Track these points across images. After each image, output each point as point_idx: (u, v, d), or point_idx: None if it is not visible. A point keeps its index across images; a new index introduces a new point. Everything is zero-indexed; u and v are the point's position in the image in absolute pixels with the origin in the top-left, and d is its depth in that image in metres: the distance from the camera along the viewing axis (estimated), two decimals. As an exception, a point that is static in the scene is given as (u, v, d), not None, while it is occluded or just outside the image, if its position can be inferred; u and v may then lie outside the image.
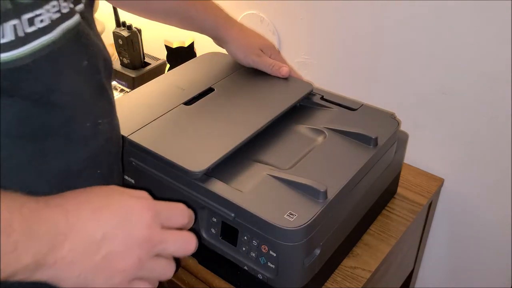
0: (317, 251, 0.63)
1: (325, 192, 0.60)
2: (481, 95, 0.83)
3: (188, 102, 0.77)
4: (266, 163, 0.68)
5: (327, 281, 0.72)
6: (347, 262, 0.75)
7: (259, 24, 1.08)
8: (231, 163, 0.66)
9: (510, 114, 0.81)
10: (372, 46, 0.93)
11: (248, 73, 0.86)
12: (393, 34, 0.89)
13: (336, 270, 0.74)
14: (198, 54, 1.10)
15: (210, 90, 0.80)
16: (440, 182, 0.93)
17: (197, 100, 0.78)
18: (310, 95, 0.81)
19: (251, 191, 0.62)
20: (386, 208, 0.86)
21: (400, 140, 0.79)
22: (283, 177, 0.63)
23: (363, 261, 0.75)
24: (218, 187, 0.62)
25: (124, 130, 0.68)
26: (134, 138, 0.68)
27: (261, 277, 0.63)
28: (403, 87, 0.92)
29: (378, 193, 0.79)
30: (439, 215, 1.00)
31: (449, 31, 0.82)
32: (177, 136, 0.70)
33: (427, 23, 0.83)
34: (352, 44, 0.96)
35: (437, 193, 0.94)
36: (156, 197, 0.69)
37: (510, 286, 0.97)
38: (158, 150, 0.66)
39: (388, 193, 0.86)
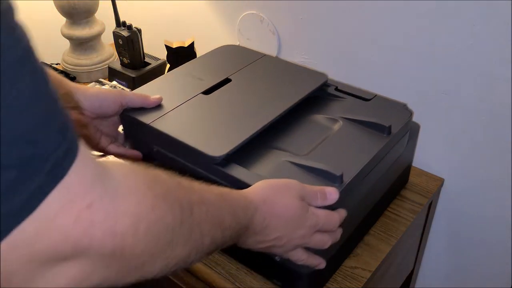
0: None
1: (341, 177, 0.61)
2: (481, 95, 0.83)
3: (207, 92, 0.79)
4: (284, 150, 0.69)
5: (328, 281, 0.73)
6: (347, 262, 0.75)
7: (259, 24, 1.08)
8: (249, 150, 0.68)
9: (510, 114, 0.81)
10: (372, 46, 0.93)
11: (263, 64, 0.88)
12: (393, 34, 0.89)
13: (336, 270, 0.74)
14: (198, 54, 1.10)
15: (227, 80, 0.82)
16: (440, 182, 0.93)
17: (215, 90, 0.80)
18: (324, 85, 0.83)
19: (270, 176, 0.63)
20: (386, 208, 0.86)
21: (412, 130, 0.80)
22: (300, 162, 0.65)
23: (363, 261, 0.75)
24: (237, 171, 0.64)
25: (147, 118, 0.72)
26: (156, 125, 0.70)
27: (278, 259, 0.64)
28: (403, 87, 0.92)
29: (391, 181, 0.80)
30: (439, 215, 1.00)
31: (449, 31, 0.82)
32: (197, 123, 0.72)
33: (427, 23, 0.84)
34: (352, 44, 0.96)
35: (437, 193, 0.94)
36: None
37: (510, 287, 0.97)
38: (180, 136, 0.68)
39: (400, 182, 0.87)
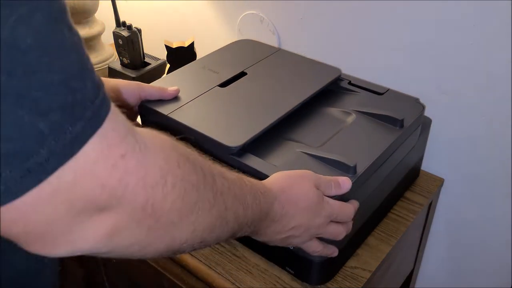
0: None
1: (355, 167, 0.63)
2: (481, 95, 0.83)
3: (223, 84, 0.81)
4: (298, 141, 0.71)
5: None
6: (347, 262, 0.75)
7: (259, 24, 1.08)
8: (265, 141, 0.70)
9: (510, 114, 0.81)
10: (372, 46, 0.93)
11: (278, 58, 0.89)
12: (392, 34, 0.89)
13: (336, 270, 0.74)
14: (198, 54, 1.10)
15: (243, 73, 0.84)
16: (440, 182, 0.92)
17: (231, 83, 0.81)
18: (338, 80, 0.84)
19: (285, 166, 0.65)
20: (386, 208, 0.86)
21: (424, 124, 0.82)
22: (314, 153, 0.66)
23: (363, 261, 0.75)
24: (253, 161, 0.66)
25: (165, 109, 0.74)
26: (175, 116, 0.72)
27: (291, 248, 0.65)
28: (403, 87, 0.91)
29: (403, 173, 0.82)
30: (439, 215, 1.00)
31: (449, 31, 0.82)
32: (214, 114, 0.74)
33: (427, 23, 0.84)
34: (352, 44, 0.96)
35: (437, 193, 0.94)
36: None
37: (510, 286, 0.97)
38: (197, 126, 0.69)
39: (412, 174, 0.88)
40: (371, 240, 0.79)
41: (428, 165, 0.95)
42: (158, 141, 0.39)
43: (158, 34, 1.32)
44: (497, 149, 0.85)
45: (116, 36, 1.11)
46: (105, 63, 1.24)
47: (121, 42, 1.11)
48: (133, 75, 1.12)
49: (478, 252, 0.99)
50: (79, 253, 0.35)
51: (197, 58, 1.07)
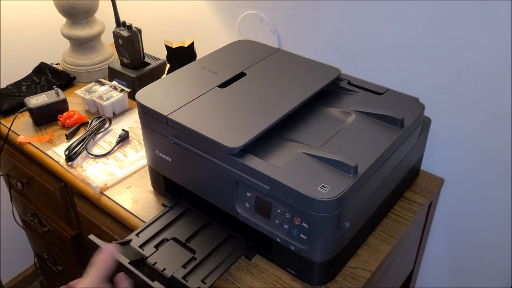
0: (347, 224, 0.66)
1: (356, 167, 0.63)
2: (481, 95, 0.83)
3: (223, 85, 0.81)
4: (299, 142, 0.71)
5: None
6: (348, 262, 0.75)
7: (259, 24, 1.08)
8: (265, 142, 0.70)
9: (510, 114, 0.81)
10: (372, 47, 0.93)
11: (277, 59, 0.89)
12: (393, 34, 0.89)
13: (336, 270, 0.74)
14: (198, 54, 1.10)
15: (242, 74, 0.84)
16: (440, 182, 0.93)
17: (231, 84, 0.81)
18: (338, 80, 0.85)
19: (286, 166, 0.65)
20: (386, 208, 0.86)
21: (424, 123, 0.82)
22: (315, 154, 0.66)
23: (363, 261, 0.75)
24: (254, 162, 0.66)
25: (165, 110, 0.73)
26: (174, 117, 0.72)
27: (293, 248, 0.66)
28: (403, 87, 0.91)
29: (403, 173, 0.82)
30: (439, 215, 1.00)
31: (449, 31, 0.82)
32: (214, 115, 0.74)
33: (427, 23, 0.84)
34: (352, 44, 0.96)
35: (437, 193, 0.94)
36: (194, 173, 0.74)
37: (510, 286, 0.97)
38: (197, 127, 0.69)
39: (412, 174, 0.89)
40: (371, 240, 0.79)
41: (428, 165, 0.95)
42: None
43: (158, 34, 1.32)
44: (497, 149, 0.85)
45: (116, 36, 1.11)
46: (105, 63, 1.24)
47: (121, 42, 1.11)
48: (133, 75, 1.12)
49: (478, 252, 0.99)
50: None
51: (197, 58, 1.07)
